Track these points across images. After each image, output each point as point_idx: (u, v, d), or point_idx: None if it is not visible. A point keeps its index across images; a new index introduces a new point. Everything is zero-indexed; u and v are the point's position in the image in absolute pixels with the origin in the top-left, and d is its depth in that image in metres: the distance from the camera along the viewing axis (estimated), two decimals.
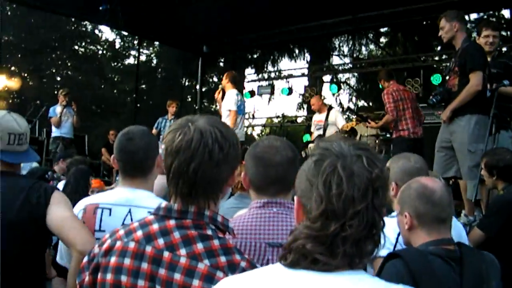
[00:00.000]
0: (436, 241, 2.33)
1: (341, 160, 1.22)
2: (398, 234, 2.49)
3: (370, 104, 23.07)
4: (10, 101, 23.24)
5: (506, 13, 17.81)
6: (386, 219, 1.35)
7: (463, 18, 5.87)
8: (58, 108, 10.88)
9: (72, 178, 5.38)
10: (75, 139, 11.70)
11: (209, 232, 1.61)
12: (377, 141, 11.23)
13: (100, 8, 13.15)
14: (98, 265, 1.65)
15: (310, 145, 10.38)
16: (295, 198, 1.33)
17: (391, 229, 2.58)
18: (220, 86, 9.28)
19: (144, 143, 2.54)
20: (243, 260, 1.56)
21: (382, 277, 2.20)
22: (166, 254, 1.55)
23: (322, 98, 12.10)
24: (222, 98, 8.92)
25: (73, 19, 23.83)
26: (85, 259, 1.73)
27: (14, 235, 2.53)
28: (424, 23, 16.21)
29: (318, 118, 10.62)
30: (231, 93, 8.65)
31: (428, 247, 2.31)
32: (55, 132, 10.94)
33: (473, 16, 17.49)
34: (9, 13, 22.71)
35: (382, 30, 20.73)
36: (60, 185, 6.20)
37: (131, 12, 13.30)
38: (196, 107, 18.00)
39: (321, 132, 10.33)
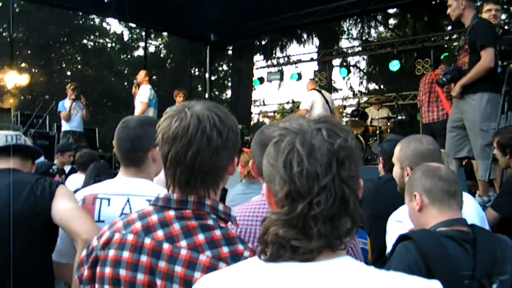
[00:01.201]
0: (448, 221, 2.29)
1: (300, 136, 1.16)
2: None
3: (381, 86, 22.95)
4: (22, 97, 23.34)
5: None
6: None
7: None
8: (67, 102, 10.90)
9: (94, 174, 5.37)
10: (86, 132, 11.72)
11: (210, 222, 1.55)
12: (388, 124, 11.17)
13: (106, 0, 13.14)
14: (96, 258, 1.60)
15: None
16: (264, 184, 1.27)
17: None
18: (135, 81, 10.87)
19: (135, 133, 2.45)
20: (247, 249, 1.51)
21: (393, 259, 2.19)
22: (166, 246, 1.50)
23: (314, 81, 11.92)
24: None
25: (80, 13, 23.84)
26: (84, 253, 1.68)
27: (19, 228, 2.54)
28: (433, 2, 16.04)
29: None
30: (145, 88, 10.33)
31: (441, 227, 2.26)
32: (65, 126, 10.96)
33: None
34: (17, 9, 22.75)
35: (390, 11, 20.54)
36: (72, 178, 6.23)
37: (137, 4, 13.29)
38: (206, 96, 17.97)
39: None
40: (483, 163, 5.22)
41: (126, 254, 1.54)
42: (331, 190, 1.12)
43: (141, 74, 10.73)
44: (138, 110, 10.23)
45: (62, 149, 8.26)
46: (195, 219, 1.55)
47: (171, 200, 1.58)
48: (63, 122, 11.03)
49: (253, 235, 2.08)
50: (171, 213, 1.57)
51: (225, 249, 1.48)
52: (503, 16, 18.45)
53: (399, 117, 11.42)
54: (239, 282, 1.19)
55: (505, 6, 17.48)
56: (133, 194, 2.39)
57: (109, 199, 2.43)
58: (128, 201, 2.38)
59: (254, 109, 22.69)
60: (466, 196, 3.11)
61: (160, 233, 1.53)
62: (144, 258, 1.51)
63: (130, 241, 1.55)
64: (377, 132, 10.68)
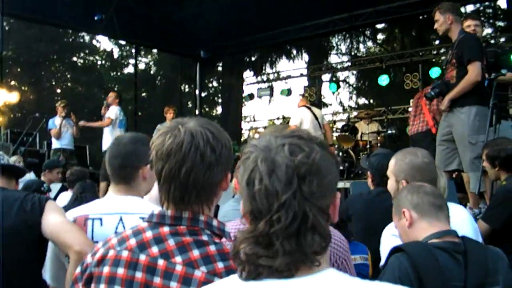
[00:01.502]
0: (439, 232, 2.31)
1: (264, 153, 1.16)
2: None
3: (371, 101, 23.07)
4: (12, 115, 23.26)
5: (502, 3, 17.80)
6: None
7: (457, 10, 5.83)
8: (57, 120, 10.87)
9: (78, 192, 5.36)
10: (76, 150, 11.68)
11: (205, 237, 1.55)
12: (378, 138, 11.22)
13: (95, 18, 13.17)
14: (91, 275, 1.60)
15: None
16: (241, 203, 1.26)
17: None
18: (105, 102, 11.17)
19: (126, 150, 2.44)
20: None
21: (385, 271, 2.21)
22: (161, 262, 1.50)
23: (305, 98, 11.98)
24: None
25: (70, 31, 23.84)
26: (78, 270, 1.67)
27: (11, 242, 2.55)
28: (421, 17, 16.18)
29: None
30: (114, 108, 10.74)
31: (432, 239, 2.29)
32: (55, 144, 10.91)
33: (470, 7, 17.46)
34: (7, 27, 22.75)
35: (378, 26, 20.71)
36: (63, 196, 6.21)
37: (126, 21, 13.35)
38: (197, 112, 17.97)
39: None
40: (474, 176, 5.26)
41: (121, 270, 1.54)
42: (291, 206, 1.11)
43: (112, 96, 11.07)
44: (101, 123, 10.93)
45: (50, 166, 8.20)
46: (190, 235, 1.55)
47: (166, 216, 1.59)
48: (53, 140, 10.97)
49: None
50: (166, 229, 1.57)
51: (220, 265, 1.49)
52: (489, 30, 18.71)
53: (389, 131, 11.45)
54: None
55: (491, 21, 17.70)
56: (126, 213, 2.36)
57: (101, 219, 2.39)
58: (121, 219, 2.36)
59: (245, 125, 22.74)
60: (459, 208, 3.15)
61: (155, 249, 1.53)
62: (139, 275, 1.51)
63: (125, 257, 1.55)
64: (368, 146, 10.74)
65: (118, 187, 2.47)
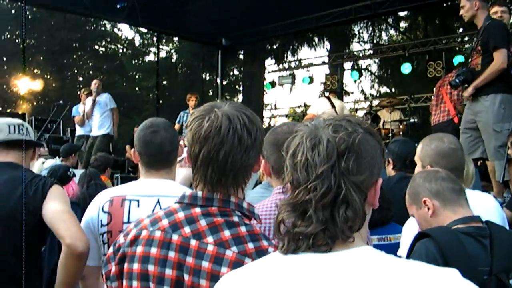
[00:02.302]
0: (464, 218, 2.31)
1: (311, 131, 1.23)
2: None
3: (393, 90, 22.88)
4: (35, 103, 23.52)
5: None
6: None
7: None
8: (81, 107, 10.98)
9: (86, 179, 5.42)
10: None
11: (236, 218, 1.59)
12: (400, 126, 11.16)
13: (118, 5, 13.24)
14: (124, 255, 1.63)
15: None
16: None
17: None
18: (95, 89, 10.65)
19: (170, 135, 2.51)
20: (271, 245, 1.55)
21: (412, 257, 2.21)
22: (193, 242, 1.54)
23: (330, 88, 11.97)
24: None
25: (92, 19, 23.97)
26: (110, 250, 1.71)
27: (11, 226, 2.59)
28: (444, 5, 16.01)
29: None
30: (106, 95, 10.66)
31: (457, 224, 2.28)
32: (79, 131, 11.06)
33: None
34: (29, 16, 22.94)
35: (401, 14, 20.48)
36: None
37: (148, 9, 13.39)
38: (218, 101, 17.95)
39: None
40: (498, 164, 5.22)
41: (154, 250, 1.57)
42: (327, 178, 1.17)
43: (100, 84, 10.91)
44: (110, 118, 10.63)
45: (65, 155, 8.28)
46: (221, 216, 1.58)
47: (197, 197, 1.62)
48: (77, 127, 11.13)
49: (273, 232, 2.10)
50: (197, 210, 1.60)
51: (250, 245, 1.52)
52: None
53: (412, 120, 11.40)
54: (261, 276, 1.22)
55: None
56: (164, 195, 2.40)
57: (138, 201, 2.44)
58: (158, 201, 2.40)
59: (266, 113, 22.73)
60: (487, 196, 3.13)
61: (187, 230, 1.57)
62: (172, 254, 1.55)
63: (158, 237, 1.59)
64: (390, 135, 10.67)
65: (158, 172, 2.52)
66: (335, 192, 1.18)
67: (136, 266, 1.59)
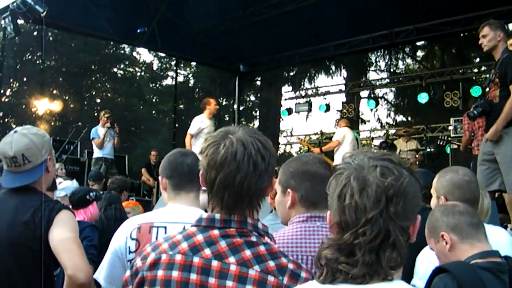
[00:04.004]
0: (482, 253, 2.30)
1: (357, 172, 1.25)
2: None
3: (409, 119, 22.83)
4: (52, 123, 23.75)
5: None
6: None
7: (506, 29, 5.76)
8: (100, 130, 11.10)
9: (106, 202, 5.48)
10: (116, 159, 11.90)
11: (254, 238, 1.64)
12: (417, 156, 11.12)
13: (138, 30, 13.41)
14: (143, 279, 1.66)
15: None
16: (328, 213, 1.36)
17: None
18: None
19: (198, 160, 2.52)
20: (290, 262, 1.61)
21: None
22: (215, 263, 1.58)
23: (348, 119, 12.10)
24: None
25: (112, 43, 24.26)
26: (128, 273, 1.73)
27: (18, 252, 2.57)
28: (461, 35, 16.02)
29: None
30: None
31: (475, 259, 2.27)
32: (97, 153, 11.16)
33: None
34: (50, 38, 23.28)
35: (418, 43, 20.52)
36: None
37: (167, 34, 13.52)
38: (232, 126, 17.98)
39: None
40: None
41: (175, 273, 1.60)
42: (377, 223, 1.21)
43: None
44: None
45: (98, 178, 8.40)
46: (240, 236, 1.63)
47: (215, 219, 1.67)
48: (95, 149, 11.22)
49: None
50: (216, 232, 1.65)
51: (271, 263, 1.58)
52: None
53: (428, 149, 11.34)
54: None
55: None
56: (190, 223, 2.41)
57: (165, 227, 2.47)
58: (184, 228, 2.42)
59: (282, 140, 22.75)
60: (498, 229, 3.11)
61: (207, 252, 1.61)
62: (194, 276, 1.58)
63: (178, 261, 1.62)
64: None
65: (187, 195, 2.58)
66: (383, 237, 1.21)
67: None
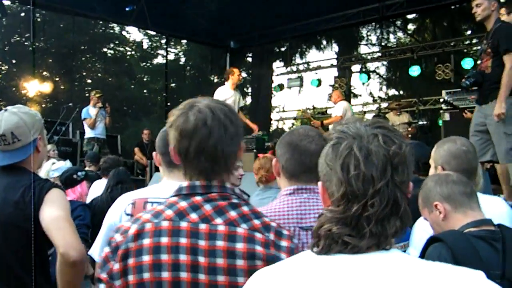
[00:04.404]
0: (476, 221, 2.31)
1: (357, 141, 1.23)
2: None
3: (401, 92, 22.84)
4: (43, 105, 23.62)
5: None
6: None
7: None
8: (92, 110, 11.03)
9: (115, 180, 5.46)
10: (108, 139, 11.85)
11: (236, 200, 1.69)
12: (409, 129, 11.14)
13: (127, 9, 13.30)
14: (127, 250, 1.62)
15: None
16: (319, 183, 1.34)
17: None
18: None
19: None
20: (272, 221, 1.67)
21: None
22: (203, 226, 1.61)
23: (342, 91, 12.12)
24: None
25: (101, 22, 24.06)
26: (107, 250, 1.68)
27: (10, 232, 2.55)
28: (452, 7, 15.97)
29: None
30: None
31: (469, 228, 2.29)
32: (89, 133, 11.09)
33: None
34: (38, 19, 23.05)
35: (409, 16, 20.45)
36: (97, 184, 6.33)
37: (157, 11, 13.42)
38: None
39: None
40: (511, 167, 5.21)
41: (165, 239, 1.60)
42: (385, 194, 1.20)
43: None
44: None
45: (95, 160, 8.39)
46: (222, 199, 1.67)
47: (196, 186, 1.69)
48: (86, 129, 11.15)
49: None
50: (198, 198, 1.67)
51: (256, 222, 1.63)
52: None
53: (420, 122, 11.34)
54: (294, 273, 1.24)
55: None
56: None
57: (159, 203, 2.45)
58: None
59: (274, 116, 22.73)
60: (498, 200, 3.13)
61: (194, 216, 1.63)
62: (183, 240, 1.59)
63: (166, 227, 1.63)
64: None
65: (177, 170, 2.55)
66: (391, 206, 1.21)
67: (147, 258, 1.59)
